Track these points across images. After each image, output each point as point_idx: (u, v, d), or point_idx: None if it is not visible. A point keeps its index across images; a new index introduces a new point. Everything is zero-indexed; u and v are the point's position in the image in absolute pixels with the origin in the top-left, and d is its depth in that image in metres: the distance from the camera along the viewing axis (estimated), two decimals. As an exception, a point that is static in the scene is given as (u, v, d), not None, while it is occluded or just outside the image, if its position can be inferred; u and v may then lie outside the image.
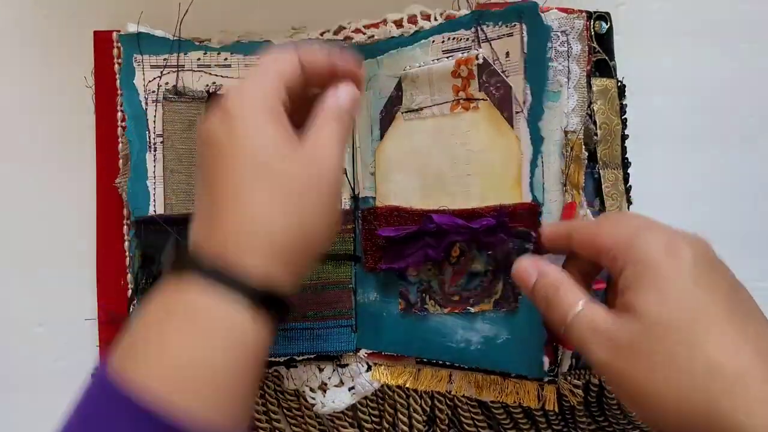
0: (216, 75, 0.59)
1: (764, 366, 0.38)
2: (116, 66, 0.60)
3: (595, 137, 0.59)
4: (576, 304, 0.44)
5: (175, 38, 0.58)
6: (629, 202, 0.61)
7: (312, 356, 0.60)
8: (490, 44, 0.56)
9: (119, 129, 0.60)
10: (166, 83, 0.58)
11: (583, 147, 0.57)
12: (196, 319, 0.39)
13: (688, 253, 0.42)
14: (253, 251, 0.40)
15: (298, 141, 0.44)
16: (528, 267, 0.48)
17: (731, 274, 0.44)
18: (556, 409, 0.57)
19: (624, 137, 0.61)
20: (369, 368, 0.62)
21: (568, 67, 0.57)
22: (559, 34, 0.56)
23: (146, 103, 0.58)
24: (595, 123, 0.59)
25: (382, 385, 0.62)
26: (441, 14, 0.59)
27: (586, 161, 0.58)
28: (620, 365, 0.40)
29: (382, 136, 0.60)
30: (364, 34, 0.60)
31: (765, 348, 0.39)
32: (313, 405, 0.61)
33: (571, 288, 0.45)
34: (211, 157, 0.42)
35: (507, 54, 0.56)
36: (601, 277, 0.57)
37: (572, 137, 0.57)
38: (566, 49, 0.56)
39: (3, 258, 0.61)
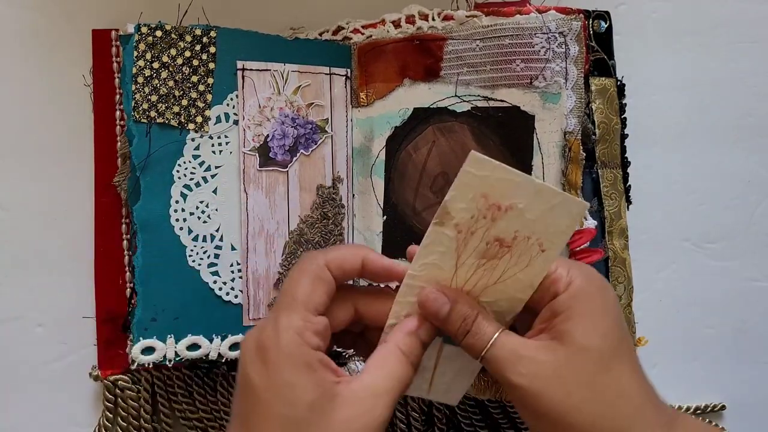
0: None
1: (654, 394, 0.43)
2: (114, 65, 0.60)
3: (594, 136, 0.58)
4: (495, 330, 0.45)
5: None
6: (629, 202, 0.61)
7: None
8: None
9: (117, 128, 0.60)
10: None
11: (581, 147, 0.57)
12: None
13: (612, 293, 0.46)
14: None
15: (335, 388, 0.42)
16: (437, 296, 0.46)
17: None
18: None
19: (623, 136, 0.61)
20: (367, 367, 0.62)
21: (566, 68, 0.57)
22: (557, 35, 0.56)
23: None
24: (593, 122, 0.59)
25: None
26: (439, 14, 0.59)
27: (584, 161, 0.58)
28: (538, 388, 0.42)
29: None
30: (363, 34, 0.60)
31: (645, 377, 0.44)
32: (311, 403, 0.61)
33: (487, 316, 0.46)
34: (248, 402, 0.42)
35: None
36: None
37: (570, 138, 0.57)
38: (564, 50, 0.56)
39: (3, 258, 0.61)
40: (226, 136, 0.58)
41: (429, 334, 0.46)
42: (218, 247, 0.58)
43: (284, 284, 0.45)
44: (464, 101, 0.59)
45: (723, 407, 0.65)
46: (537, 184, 0.43)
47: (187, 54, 0.57)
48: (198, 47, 0.57)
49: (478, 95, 0.58)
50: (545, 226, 0.44)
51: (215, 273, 0.58)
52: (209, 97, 0.57)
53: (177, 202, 0.57)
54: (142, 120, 0.56)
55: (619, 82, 0.60)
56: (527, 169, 0.58)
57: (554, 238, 0.44)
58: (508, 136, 0.58)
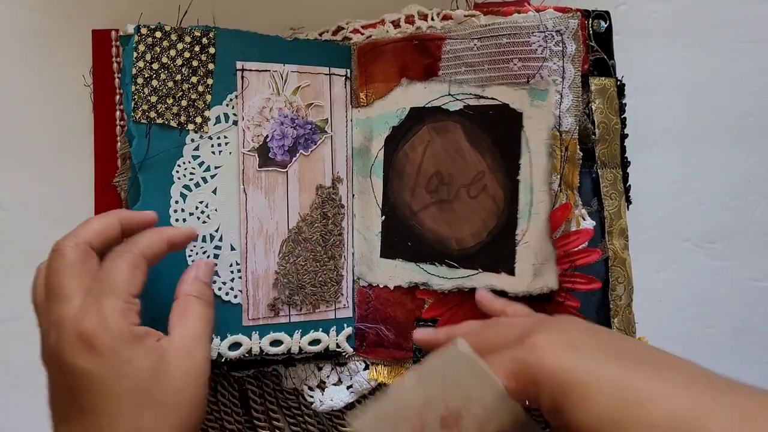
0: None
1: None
2: (115, 65, 0.60)
3: (593, 136, 0.58)
4: None
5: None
6: (629, 202, 0.61)
7: (310, 355, 0.60)
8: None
9: (117, 128, 0.60)
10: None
11: (578, 147, 0.57)
12: None
13: (586, 341, 0.43)
14: None
15: (161, 347, 0.47)
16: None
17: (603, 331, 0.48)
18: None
19: (623, 136, 0.61)
20: (367, 367, 0.62)
21: (563, 66, 0.56)
22: (554, 33, 0.56)
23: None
24: (593, 122, 0.59)
25: (379, 384, 0.62)
26: (438, 14, 0.59)
27: (583, 161, 0.58)
28: None
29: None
30: (362, 34, 0.60)
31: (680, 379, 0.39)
32: (311, 403, 0.62)
33: None
34: (79, 389, 0.45)
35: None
36: (595, 275, 0.57)
37: (567, 137, 0.57)
38: (561, 48, 0.56)
39: (3, 258, 0.62)
40: (225, 137, 0.58)
41: (207, 272, 0.54)
42: (218, 248, 0.58)
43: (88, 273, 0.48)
44: (457, 99, 0.59)
45: (723, 407, 0.65)
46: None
47: (187, 55, 0.57)
48: (197, 48, 0.57)
49: (470, 93, 0.58)
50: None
51: (215, 273, 0.58)
52: (209, 97, 0.57)
53: (177, 202, 0.57)
54: (142, 121, 0.56)
55: (619, 82, 0.60)
56: (515, 168, 0.58)
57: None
58: (499, 134, 0.58)
